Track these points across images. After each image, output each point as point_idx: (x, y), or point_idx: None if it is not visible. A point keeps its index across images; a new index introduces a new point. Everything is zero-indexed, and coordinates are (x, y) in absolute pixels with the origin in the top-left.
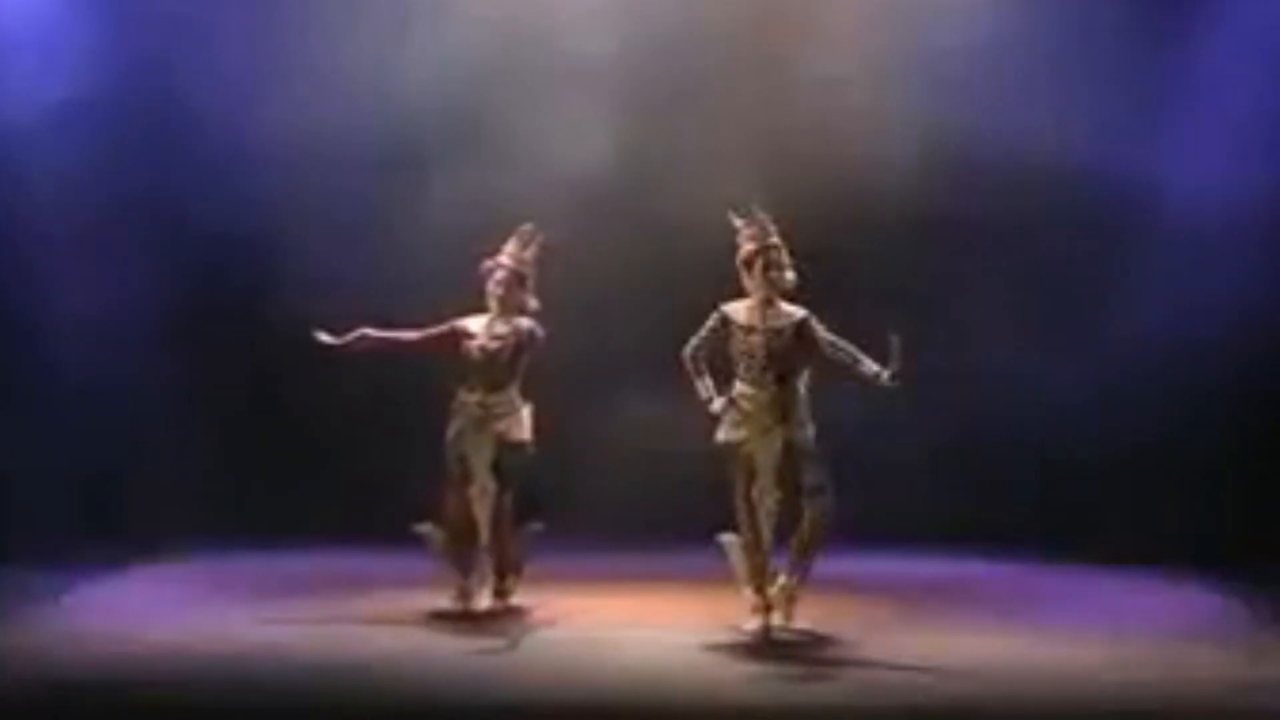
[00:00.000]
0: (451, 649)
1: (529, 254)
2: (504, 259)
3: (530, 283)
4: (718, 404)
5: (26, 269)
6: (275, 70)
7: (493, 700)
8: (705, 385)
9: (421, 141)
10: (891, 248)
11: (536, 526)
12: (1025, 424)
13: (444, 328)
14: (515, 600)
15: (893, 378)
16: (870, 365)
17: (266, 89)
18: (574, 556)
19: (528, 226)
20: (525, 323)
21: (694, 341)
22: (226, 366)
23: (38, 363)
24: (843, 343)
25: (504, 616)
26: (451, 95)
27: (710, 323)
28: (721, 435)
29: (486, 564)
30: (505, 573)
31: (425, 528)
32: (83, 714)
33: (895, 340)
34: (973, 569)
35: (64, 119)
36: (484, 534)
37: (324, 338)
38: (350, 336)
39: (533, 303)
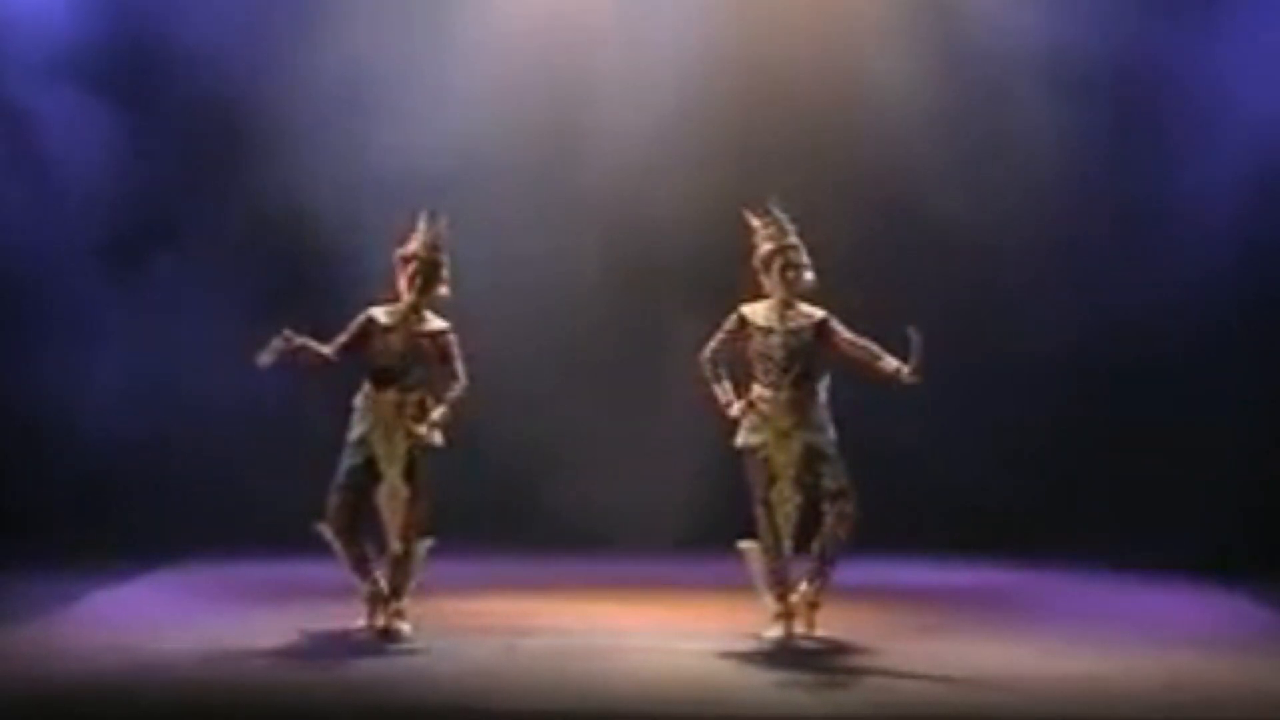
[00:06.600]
0: (463, 654)
1: (440, 240)
2: (416, 248)
3: (444, 270)
4: (736, 407)
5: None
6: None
7: (511, 707)
8: (724, 388)
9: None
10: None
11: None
12: (1041, 430)
13: (356, 326)
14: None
15: (913, 373)
16: (891, 361)
17: None
18: (594, 564)
19: (429, 211)
20: (439, 324)
21: (712, 344)
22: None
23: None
24: (863, 340)
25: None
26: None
27: (729, 324)
28: (740, 439)
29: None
30: (403, 590)
31: (324, 530)
32: None
33: (915, 336)
34: (995, 577)
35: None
36: (394, 542)
37: (265, 358)
38: (291, 346)
39: (444, 290)
